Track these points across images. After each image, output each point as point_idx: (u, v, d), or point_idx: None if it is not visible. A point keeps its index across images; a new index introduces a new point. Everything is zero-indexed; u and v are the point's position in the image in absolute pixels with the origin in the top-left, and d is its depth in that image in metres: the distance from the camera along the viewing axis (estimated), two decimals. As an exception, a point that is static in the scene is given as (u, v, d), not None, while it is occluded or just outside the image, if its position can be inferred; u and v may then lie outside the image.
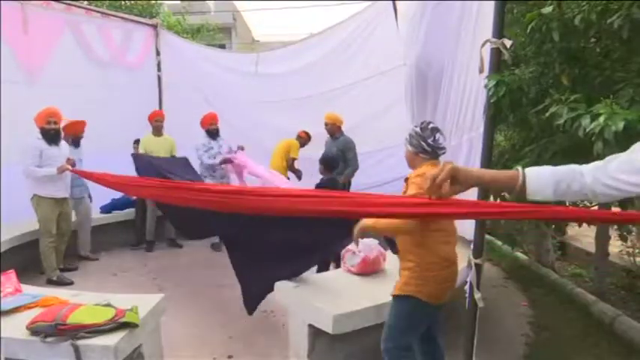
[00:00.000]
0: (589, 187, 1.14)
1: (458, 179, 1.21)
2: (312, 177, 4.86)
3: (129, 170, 5.66)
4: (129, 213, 5.84)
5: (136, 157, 5.04)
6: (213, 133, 5.67)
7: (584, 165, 1.17)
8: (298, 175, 5.93)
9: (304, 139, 6.17)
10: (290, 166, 5.88)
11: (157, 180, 3.05)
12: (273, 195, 1.85)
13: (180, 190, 2.36)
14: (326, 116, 5.72)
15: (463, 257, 2.42)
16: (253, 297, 3.24)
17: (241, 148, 5.67)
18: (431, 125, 2.22)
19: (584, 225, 3.39)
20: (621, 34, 1.98)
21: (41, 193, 4.46)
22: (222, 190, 2.20)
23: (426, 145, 2.16)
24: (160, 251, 5.63)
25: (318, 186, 3.86)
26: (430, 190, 1.24)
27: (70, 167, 4.46)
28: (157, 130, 5.62)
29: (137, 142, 5.70)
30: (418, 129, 2.21)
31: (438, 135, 2.19)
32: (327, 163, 4.13)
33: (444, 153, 2.23)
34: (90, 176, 4.16)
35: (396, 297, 2.24)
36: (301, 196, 1.74)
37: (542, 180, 1.19)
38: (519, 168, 1.23)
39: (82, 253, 5.26)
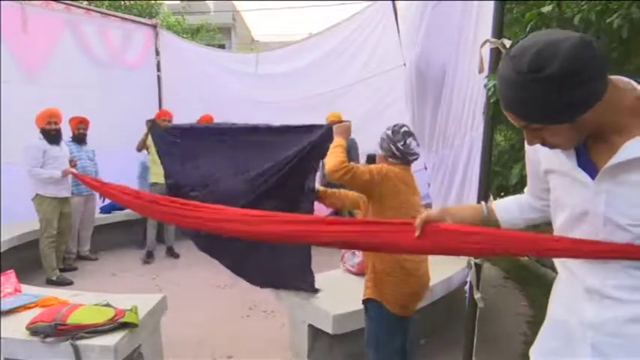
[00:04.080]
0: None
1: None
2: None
3: (128, 170, 5.69)
4: (129, 213, 5.82)
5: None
6: None
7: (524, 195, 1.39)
8: None
9: None
10: None
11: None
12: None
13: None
14: (331, 115, 5.73)
15: (463, 257, 2.42)
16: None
17: None
18: (403, 129, 2.15)
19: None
20: (620, 33, 1.99)
21: (44, 193, 4.48)
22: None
23: (395, 149, 2.10)
24: (159, 251, 5.62)
25: None
26: None
27: (75, 171, 4.49)
28: None
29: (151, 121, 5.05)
30: (389, 132, 2.14)
31: (409, 140, 2.12)
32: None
33: (415, 159, 2.18)
34: (90, 182, 4.12)
35: (363, 304, 2.21)
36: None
37: (510, 212, 1.40)
38: (483, 203, 1.44)
39: (81, 253, 5.26)
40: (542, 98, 0.96)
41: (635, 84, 1.03)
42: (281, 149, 2.69)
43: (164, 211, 1.95)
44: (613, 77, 1.02)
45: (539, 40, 0.95)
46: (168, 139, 3.31)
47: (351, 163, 2.01)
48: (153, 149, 4.95)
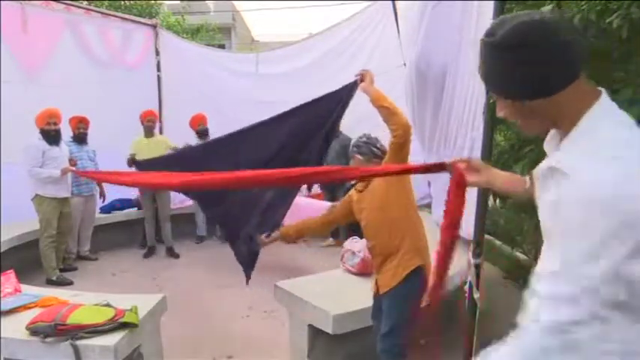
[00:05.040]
0: None
1: (478, 170, 1.40)
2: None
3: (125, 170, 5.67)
4: (128, 213, 5.84)
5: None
6: (202, 134, 5.66)
7: None
8: None
9: None
10: None
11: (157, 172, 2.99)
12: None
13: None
14: None
15: (462, 257, 2.42)
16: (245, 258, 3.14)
17: None
18: (373, 134, 2.54)
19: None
20: (620, 33, 1.99)
21: (44, 193, 4.48)
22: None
23: (376, 149, 2.43)
24: (159, 251, 5.62)
25: None
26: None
27: (73, 169, 4.51)
28: (149, 131, 5.49)
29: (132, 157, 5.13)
30: (365, 138, 2.49)
31: (380, 142, 2.50)
32: None
33: None
34: (93, 176, 4.19)
35: (401, 285, 2.25)
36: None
37: None
38: (527, 177, 1.37)
39: (81, 253, 5.26)
40: (489, 64, 0.97)
41: (601, 96, 0.94)
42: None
43: (157, 175, 2.42)
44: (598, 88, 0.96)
45: (515, 15, 0.95)
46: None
47: None
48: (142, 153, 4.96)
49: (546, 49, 0.89)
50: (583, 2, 2.15)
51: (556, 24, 0.90)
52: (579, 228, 0.83)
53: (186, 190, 3.06)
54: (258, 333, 3.44)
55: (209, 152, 3.40)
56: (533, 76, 0.92)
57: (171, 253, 5.53)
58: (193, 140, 5.65)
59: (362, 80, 2.50)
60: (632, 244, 0.80)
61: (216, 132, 5.85)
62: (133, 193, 5.85)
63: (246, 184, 2.30)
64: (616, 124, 0.89)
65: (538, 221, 1.28)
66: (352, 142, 2.56)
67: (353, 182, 2.79)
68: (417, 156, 4.58)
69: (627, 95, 2.05)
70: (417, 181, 3.05)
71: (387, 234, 2.31)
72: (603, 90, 0.95)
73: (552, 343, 0.84)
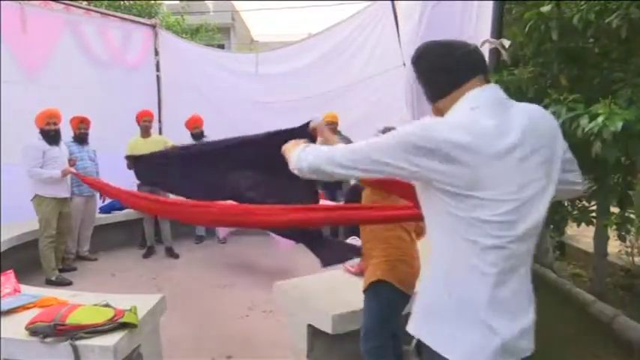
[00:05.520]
0: None
1: None
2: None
3: (125, 170, 5.67)
4: (128, 213, 5.83)
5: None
6: (197, 137, 5.65)
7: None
8: None
9: None
10: None
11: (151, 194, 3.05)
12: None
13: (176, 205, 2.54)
14: (327, 115, 5.71)
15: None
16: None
17: None
18: (367, 135, 2.41)
19: (583, 225, 3.39)
20: (620, 33, 1.99)
21: (43, 194, 4.48)
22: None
23: None
24: (158, 251, 5.62)
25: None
26: None
27: (74, 170, 4.51)
28: (145, 131, 5.47)
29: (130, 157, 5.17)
30: (380, 134, 2.33)
31: None
32: None
33: None
34: (92, 184, 4.21)
35: (367, 290, 2.28)
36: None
37: None
38: None
39: (81, 253, 5.26)
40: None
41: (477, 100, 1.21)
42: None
43: (156, 200, 2.52)
44: (482, 92, 1.21)
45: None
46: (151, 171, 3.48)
47: None
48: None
49: (434, 63, 1.29)
50: (582, 2, 2.15)
51: (439, 46, 1.29)
52: (391, 135, 1.24)
53: (181, 220, 3.17)
54: (258, 333, 3.44)
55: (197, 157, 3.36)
56: (427, 80, 1.32)
57: (171, 253, 5.52)
58: (191, 141, 5.63)
59: (314, 130, 2.40)
60: (407, 167, 1.18)
61: (215, 132, 5.84)
62: (132, 193, 5.85)
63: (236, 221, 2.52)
64: (466, 108, 1.20)
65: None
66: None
67: (352, 182, 2.78)
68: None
69: (626, 95, 2.06)
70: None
71: (365, 238, 2.37)
72: (485, 86, 1.23)
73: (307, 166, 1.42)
